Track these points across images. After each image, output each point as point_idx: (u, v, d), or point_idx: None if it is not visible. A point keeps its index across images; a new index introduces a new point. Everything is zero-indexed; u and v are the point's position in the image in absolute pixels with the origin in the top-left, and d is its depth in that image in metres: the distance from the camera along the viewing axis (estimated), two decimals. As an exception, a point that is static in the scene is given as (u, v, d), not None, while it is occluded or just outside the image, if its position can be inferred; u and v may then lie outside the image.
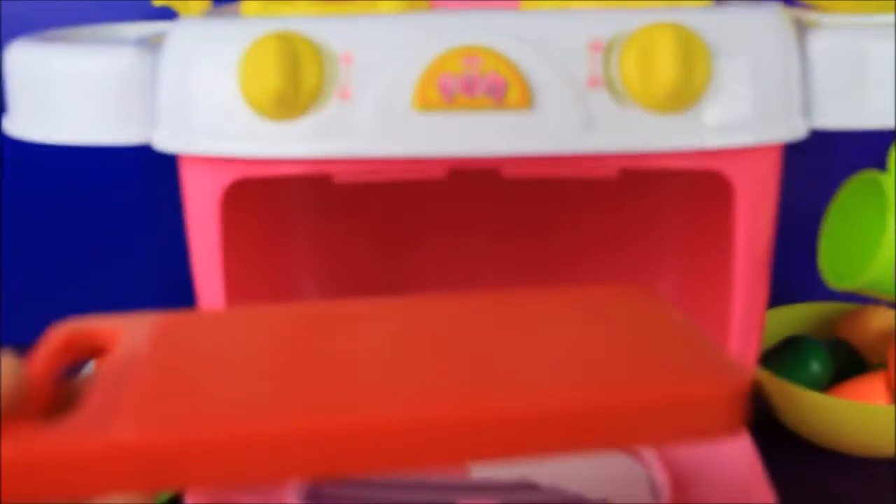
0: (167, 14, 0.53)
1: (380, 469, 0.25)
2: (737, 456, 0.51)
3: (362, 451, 0.25)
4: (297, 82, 0.43)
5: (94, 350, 0.32)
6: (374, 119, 0.44)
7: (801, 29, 0.47)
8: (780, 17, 0.46)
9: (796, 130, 0.47)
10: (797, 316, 0.69)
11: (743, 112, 0.45)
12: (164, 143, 0.47)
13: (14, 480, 0.24)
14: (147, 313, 0.33)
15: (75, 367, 0.32)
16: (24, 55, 0.49)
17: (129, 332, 0.31)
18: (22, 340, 0.73)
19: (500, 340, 0.31)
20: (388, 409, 0.26)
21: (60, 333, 0.31)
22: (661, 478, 0.49)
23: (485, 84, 0.44)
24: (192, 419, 0.25)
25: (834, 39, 0.47)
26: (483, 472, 0.50)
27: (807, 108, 0.47)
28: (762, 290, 0.51)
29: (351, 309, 0.34)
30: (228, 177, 0.47)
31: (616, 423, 0.27)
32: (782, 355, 0.63)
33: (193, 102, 0.46)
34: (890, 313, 0.65)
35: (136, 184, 0.71)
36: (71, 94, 0.47)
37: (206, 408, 0.26)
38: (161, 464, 0.24)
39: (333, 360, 0.30)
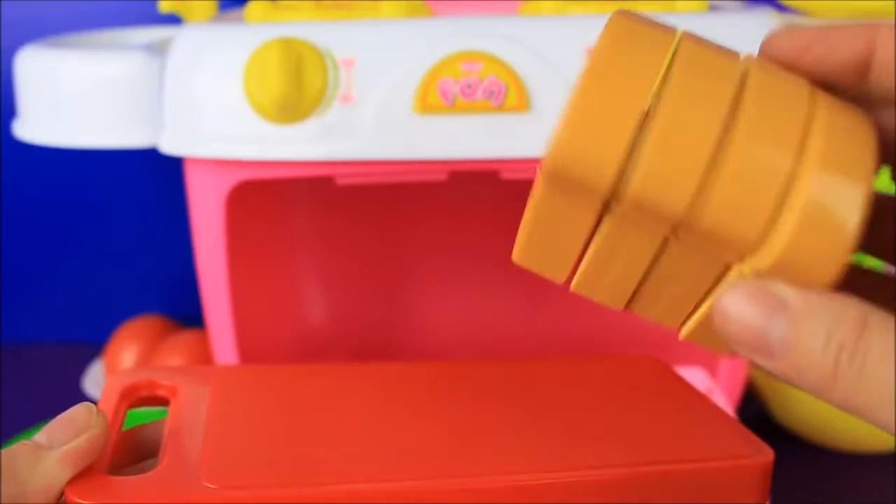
0: (173, 19, 0.54)
1: None
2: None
3: None
4: (300, 86, 0.44)
5: (154, 400, 0.32)
6: (376, 122, 0.45)
7: (793, 34, 0.48)
8: (772, 23, 0.47)
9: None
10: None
11: (736, 115, 0.46)
12: (169, 146, 0.48)
13: None
14: (201, 367, 0.33)
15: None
16: (34, 60, 0.49)
17: (186, 384, 0.32)
18: (22, 340, 0.74)
19: (521, 413, 0.31)
20: (430, 476, 0.27)
21: (121, 384, 0.31)
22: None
23: (484, 88, 0.44)
24: (274, 477, 0.26)
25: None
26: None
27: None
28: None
29: (387, 372, 0.35)
30: (233, 179, 0.47)
31: (647, 496, 0.27)
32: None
33: (199, 106, 0.46)
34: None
35: (141, 186, 0.71)
36: (79, 99, 0.48)
37: (285, 467, 0.26)
38: None
39: (378, 423, 0.30)
